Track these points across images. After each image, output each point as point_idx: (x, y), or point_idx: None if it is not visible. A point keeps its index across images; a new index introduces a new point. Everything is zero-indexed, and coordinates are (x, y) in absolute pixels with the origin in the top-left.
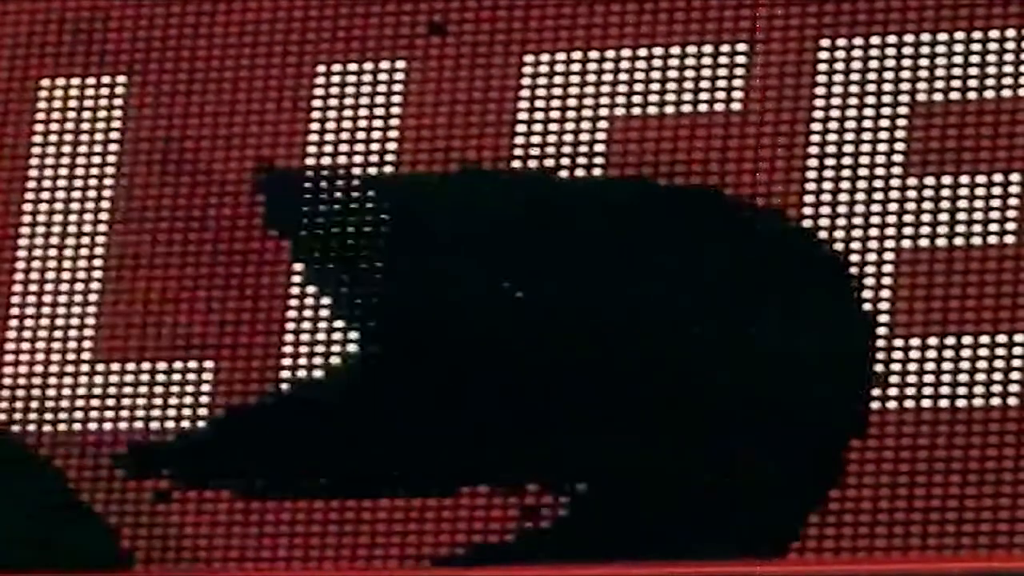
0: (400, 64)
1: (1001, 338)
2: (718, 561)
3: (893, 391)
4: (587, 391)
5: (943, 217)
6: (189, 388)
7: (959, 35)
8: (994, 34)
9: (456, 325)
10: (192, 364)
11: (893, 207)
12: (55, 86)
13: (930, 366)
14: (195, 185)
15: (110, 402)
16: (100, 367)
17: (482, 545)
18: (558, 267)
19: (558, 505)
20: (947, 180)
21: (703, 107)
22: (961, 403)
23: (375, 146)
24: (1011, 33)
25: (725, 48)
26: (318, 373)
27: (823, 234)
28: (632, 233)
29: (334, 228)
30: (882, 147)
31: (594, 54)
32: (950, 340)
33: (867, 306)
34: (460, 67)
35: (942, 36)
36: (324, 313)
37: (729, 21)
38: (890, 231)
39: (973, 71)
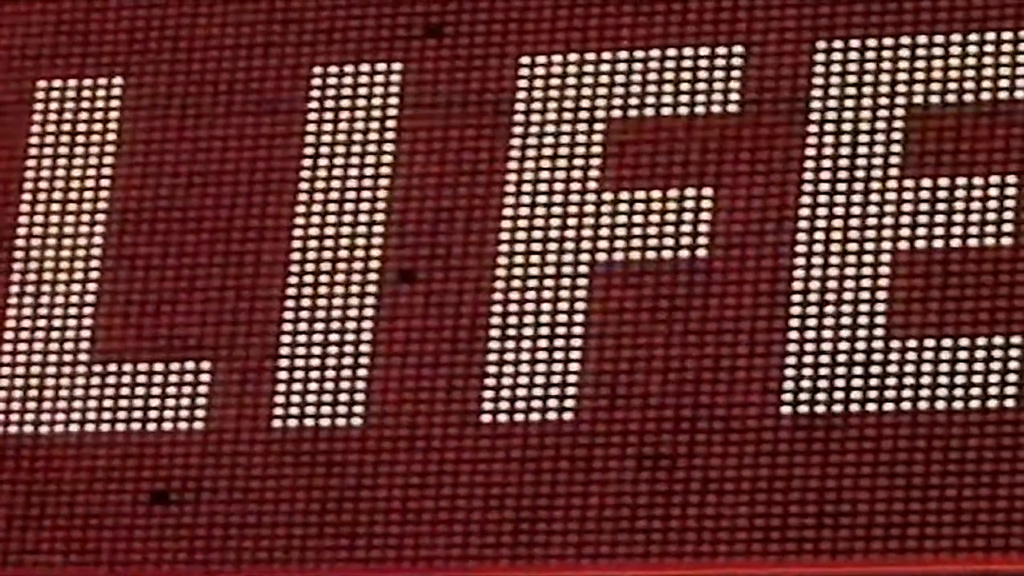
0: (396, 66)
1: (997, 340)
2: (718, 561)
3: (891, 393)
4: None
5: (940, 219)
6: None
7: (955, 37)
8: (990, 36)
9: None
10: (189, 365)
11: (890, 208)
12: (52, 88)
13: (927, 368)
14: (190, 186)
15: (107, 403)
16: (97, 367)
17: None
18: None
19: None
20: (944, 182)
21: (700, 109)
22: (958, 405)
23: (372, 148)
24: (1007, 36)
25: (722, 50)
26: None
27: (820, 235)
28: None
29: None
30: (879, 148)
31: (591, 56)
32: (947, 342)
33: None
34: (456, 69)
35: (938, 38)
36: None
37: (725, 23)
38: (887, 232)
39: (970, 73)
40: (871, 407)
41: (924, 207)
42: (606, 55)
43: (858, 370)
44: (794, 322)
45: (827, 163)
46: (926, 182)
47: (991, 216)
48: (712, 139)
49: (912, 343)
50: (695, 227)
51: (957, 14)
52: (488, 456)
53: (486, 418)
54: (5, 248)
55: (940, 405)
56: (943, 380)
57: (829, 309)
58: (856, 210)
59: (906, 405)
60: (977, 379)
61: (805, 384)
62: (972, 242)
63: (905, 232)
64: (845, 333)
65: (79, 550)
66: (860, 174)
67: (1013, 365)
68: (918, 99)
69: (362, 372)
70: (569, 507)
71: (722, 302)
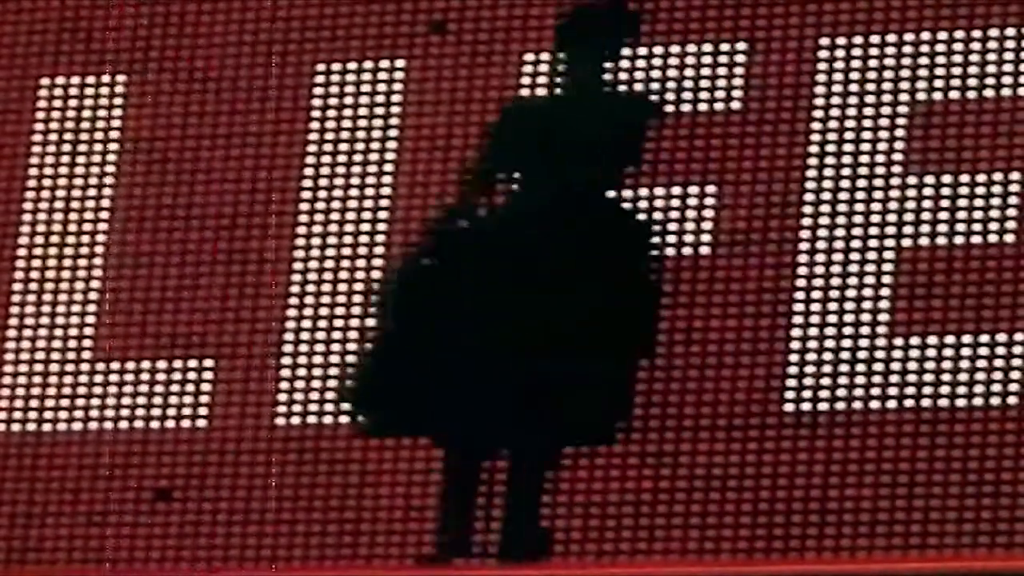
0: (400, 63)
1: (1001, 337)
2: (718, 561)
3: (893, 391)
4: None
5: (943, 216)
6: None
7: (959, 34)
8: (993, 33)
9: None
10: (192, 363)
11: (893, 206)
12: (55, 85)
13: (930, 365)
14: (194, 184)
15: (110, 400)
16: (100, 366)
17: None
18: None
19: None
20: (947, 179)
21: (703, 106)
22: (961, 402)
23: (375, 144)
24: (1011, 32)
25: (725, 47)
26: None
27: (823, 232)
28: None
29: None
30: (882, 146)
31: None
32: (950, 339)
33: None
34: (460, 66)
35: (942, 35)
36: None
37: (729, 20)
38: (890, 230)
39: (973, 70)
40: (874, 404)
41: (928, 204)
42: None
43: (861, 367)
44: (797, 319)
45: (830, 160)
46: (929, 179)
47: (994, 213)
48: (715, 136)
49: (915, 340)
50: (698, 224)
51: (961, 10)
52: None
53: None
54: (8, 245)
55: (943, 403)
56: (946, 377)
57: (832, 306)
58: (859, 207)
59: (908, 403)
60: (980, 376)
61: (808, 382)
62: (976, 239)
63: (908, 229)
64: (848, 331)
65: (82, 547)
66: (863, 171)
67: (1016, 363)
68: (921, 96)
69: None
70: (572, 504)
71: (725, 299)
